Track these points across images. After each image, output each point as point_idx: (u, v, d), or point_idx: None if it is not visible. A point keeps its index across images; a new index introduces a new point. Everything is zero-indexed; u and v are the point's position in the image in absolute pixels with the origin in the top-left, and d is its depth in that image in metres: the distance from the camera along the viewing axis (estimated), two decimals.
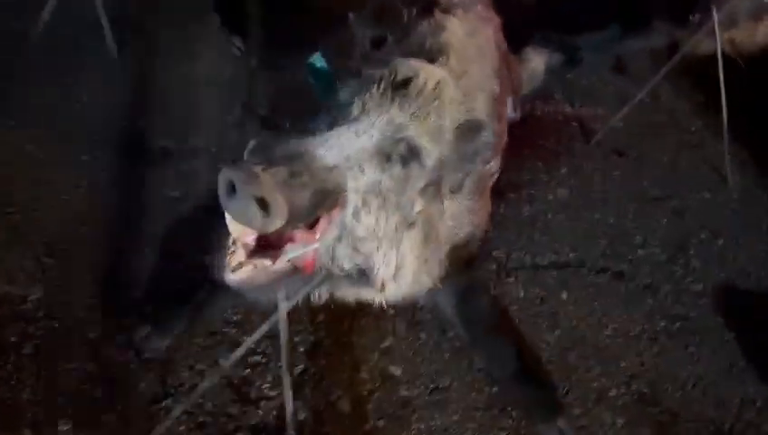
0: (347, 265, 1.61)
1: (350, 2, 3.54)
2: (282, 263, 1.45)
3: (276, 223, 1.31)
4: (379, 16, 3.15)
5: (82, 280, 2.27)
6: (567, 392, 2.07)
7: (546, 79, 3.16)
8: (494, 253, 2.41)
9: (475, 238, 2.12)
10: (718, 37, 2.62)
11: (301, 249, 1.43)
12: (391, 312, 2.23)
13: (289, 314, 2.24)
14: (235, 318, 2.23)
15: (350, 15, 3.59)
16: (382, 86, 1.66)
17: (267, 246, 1.47)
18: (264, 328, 1.75)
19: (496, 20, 2.45)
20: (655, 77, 2.76)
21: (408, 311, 2.22)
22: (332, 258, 1.57)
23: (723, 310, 2.30)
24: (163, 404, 1.97)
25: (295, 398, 2.00)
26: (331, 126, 1.64)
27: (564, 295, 2.34)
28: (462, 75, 1.98)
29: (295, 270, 1.50)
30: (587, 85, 3.31)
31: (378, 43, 2.38)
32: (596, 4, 3.35)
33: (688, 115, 3.12)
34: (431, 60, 1.94)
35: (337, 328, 2.19)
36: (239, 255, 1.43)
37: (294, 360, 2.11)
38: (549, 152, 2.86)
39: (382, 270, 1.66)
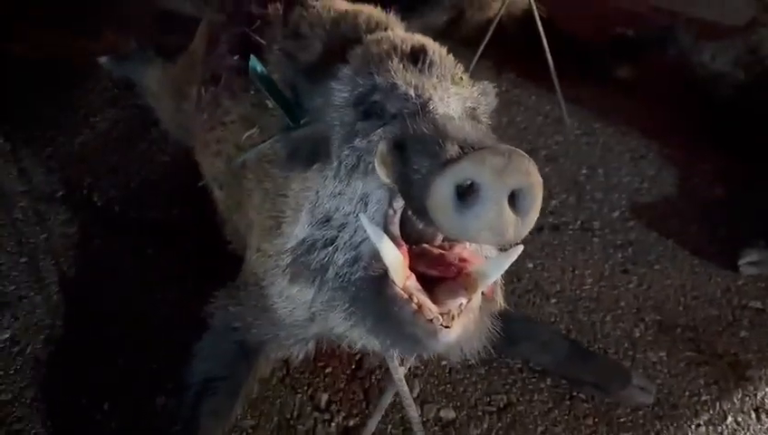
0: None
1: None
2: (478, 295, 1.00)
3: (532, 222, 0.89)
4: None
5: None
6: (605, 352, 1.94)
7: None
8: None
9: None
10: None
11: (497, 267, 1.00)
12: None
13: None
14: None
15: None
16: (398, 63, 1.29)
17: (433, 282, 1.00)
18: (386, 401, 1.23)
19: None
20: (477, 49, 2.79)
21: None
22: None
23: (650, 224, 2.42)
24: None
25: None
26: (380, 114, 1.21)
27: (530, 265, 2.20)
28: None
29: (485, 300, 1.06)
30: None
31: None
32: None
33: (493, 77, 3.26)
34: None
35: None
36: (429, 306, 0.94)
37: None
38: None
39: None
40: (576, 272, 2.19)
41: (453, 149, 0.92)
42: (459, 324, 0.98)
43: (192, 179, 2.02)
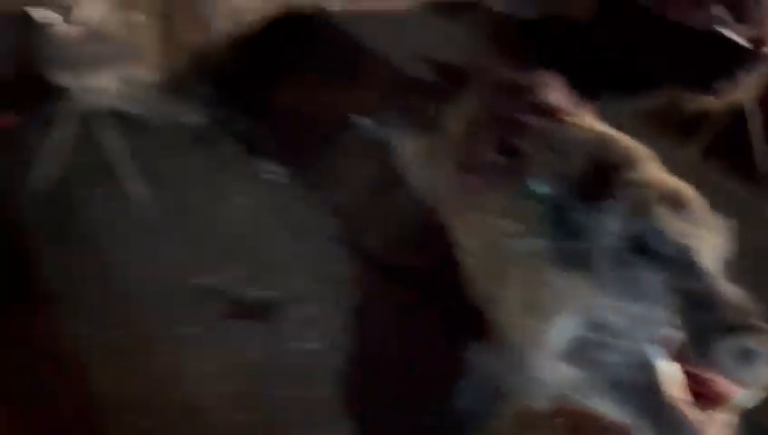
0: None
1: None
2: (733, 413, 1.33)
3: None
4: None
5: None
6: None
7: None
8: None
9: None
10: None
11: (754, 400, 1.32)
12: None
13: None
14: None
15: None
16: (664, 209, 1.48)
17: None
18: None
19: None
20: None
21: None
22: None
23: None
24: None
25: None
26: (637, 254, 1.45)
27: None
28: None
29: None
30: None
31: None
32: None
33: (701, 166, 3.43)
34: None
35: None
36: (695, 416, 1.28)
37: None
38: None
39: None
40: None
41: (730, 315, 1.24)
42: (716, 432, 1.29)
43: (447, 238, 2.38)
